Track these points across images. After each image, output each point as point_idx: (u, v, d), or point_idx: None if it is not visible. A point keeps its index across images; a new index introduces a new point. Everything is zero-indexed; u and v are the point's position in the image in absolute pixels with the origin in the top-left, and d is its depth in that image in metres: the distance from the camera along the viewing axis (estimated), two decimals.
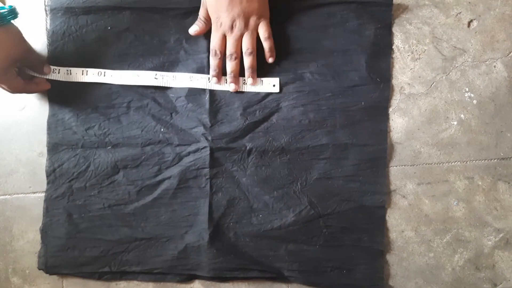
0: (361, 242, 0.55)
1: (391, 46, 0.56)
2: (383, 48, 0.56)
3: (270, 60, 0.56)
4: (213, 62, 0.55)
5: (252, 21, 0.54)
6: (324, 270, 0.55)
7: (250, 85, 0.56)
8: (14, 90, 0.54)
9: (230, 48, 0.54)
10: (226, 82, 0.56)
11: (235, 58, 0.55)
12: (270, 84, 0.56)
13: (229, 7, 0.52)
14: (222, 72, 0.56)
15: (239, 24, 0.53)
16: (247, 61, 0.55)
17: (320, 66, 0.56)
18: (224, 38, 0.55)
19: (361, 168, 0.55)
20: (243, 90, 0.57)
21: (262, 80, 0.56)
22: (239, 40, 0.54)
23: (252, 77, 0.56)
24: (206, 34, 0.57)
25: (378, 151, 0.55)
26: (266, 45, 0.55)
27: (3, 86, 0.53)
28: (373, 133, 0.55)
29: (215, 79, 0.56)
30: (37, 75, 0.57)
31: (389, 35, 0.56)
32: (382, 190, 0.55)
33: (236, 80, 0.56)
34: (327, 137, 0.56)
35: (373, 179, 0.55)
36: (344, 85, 0.56)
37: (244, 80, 0.56)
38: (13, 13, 0.50)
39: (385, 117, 0.56)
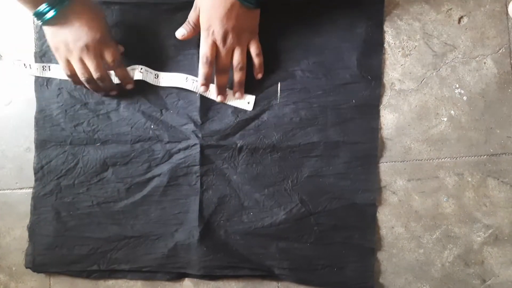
0: (352, 240, 0.55)
1: (383, 44, 0.56)
2: (374, 46, 0.56)
3: (259, 76, 0.55)
4: (204, 70, 0.53)
5: (244, 36, 0.52)
6: (315, 268, 0.55)
7: (236, 99, 0.56)
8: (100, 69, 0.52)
9: (221, 60, 0.52)
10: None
11: (226, 71, 0.54)
12: (245, 101, 0.56)
13: (224, 19, 0.50)
14: (211, 80, 0.55)
15: (231, 38, 0.51)
16: (237, 76, 0.54)
17: (311, 64, 0.56)
18: (215, 45, 0.52)
19: (352, 166, 0.55)
20: (225, 102, 0.56)
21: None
22: (230, 53, 0.53)
23: (240, 92, 0.55)
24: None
25: (369, 149, 0.55)
26: (257, 61, 0.54)
27: (94, 59, 0.51)
28: (364, 131, 0.55)
29: (203, 88, 0.54)
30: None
31: (381, 33, 0.56)
32: (373, 188, 0.55)
33: (224, 92, 0.55)
34: (318, 135, 0.55)
35: (364, 177, 0.55)
36: (335, 83, 0.55)
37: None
38: None
39: (376, 115, 0.56)
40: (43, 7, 0.47)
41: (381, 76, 0.56)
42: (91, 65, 0.51)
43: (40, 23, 0.49)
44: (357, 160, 0.55)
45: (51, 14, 0.47)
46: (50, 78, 0.58)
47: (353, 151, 0.55)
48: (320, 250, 0.55)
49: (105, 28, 0.52)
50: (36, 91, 0.59)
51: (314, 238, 0.55)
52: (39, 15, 0.48)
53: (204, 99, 0.57)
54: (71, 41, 0.50)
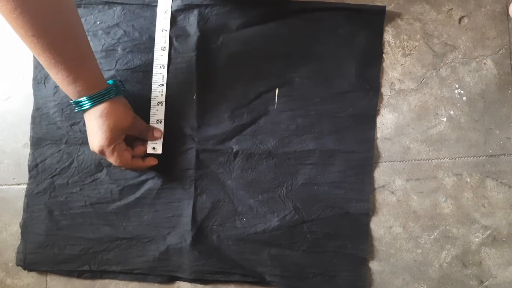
0: (344, 249, 0.55)
1: (382, 54, 0.56)
2: (373, 56, 0.56)
3: None
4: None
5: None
6: (306, 276, 0.55)
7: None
8: (122, 163, 0.51)
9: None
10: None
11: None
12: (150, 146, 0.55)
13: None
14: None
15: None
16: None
17: (310, 71, 0.56)
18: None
19: (347, 175, 0.55)
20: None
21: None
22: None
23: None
24: (198, 32, 0.56)
25: (364, 159, 0.55)
26: None
27: (112, 159, 0.50)
28: (360, 140, 0.55)
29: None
30: (149, 143, 0.55)
31: (380, 43, 0.56)
32: (367, 197, 0.55)
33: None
34: (314, 142, 0.55)
35: (358, 186, 0.55)
36: (333, 91, 0.55)
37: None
38: (116, 87, 0.49)
39: (373, 125, 0.55)
40: (84, 99, 0.48)
41: (379, 86, 0.56)
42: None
43: (76, 110, 0.49)
44: (352, 169, 0.55)
45: (86, 105, 0.48)
46: (48, 76, 0.58)
47: (349, 160, 0.55)
48: (312, 258, 0.55)
49: (120, 136, 0.50)
50: (33, 89, 0.59)
51: (306, 246, 0.55)
52: (77, 103, 0.48)
53: (200, 103, 0.56)
54: (89, 139, 0.50)
